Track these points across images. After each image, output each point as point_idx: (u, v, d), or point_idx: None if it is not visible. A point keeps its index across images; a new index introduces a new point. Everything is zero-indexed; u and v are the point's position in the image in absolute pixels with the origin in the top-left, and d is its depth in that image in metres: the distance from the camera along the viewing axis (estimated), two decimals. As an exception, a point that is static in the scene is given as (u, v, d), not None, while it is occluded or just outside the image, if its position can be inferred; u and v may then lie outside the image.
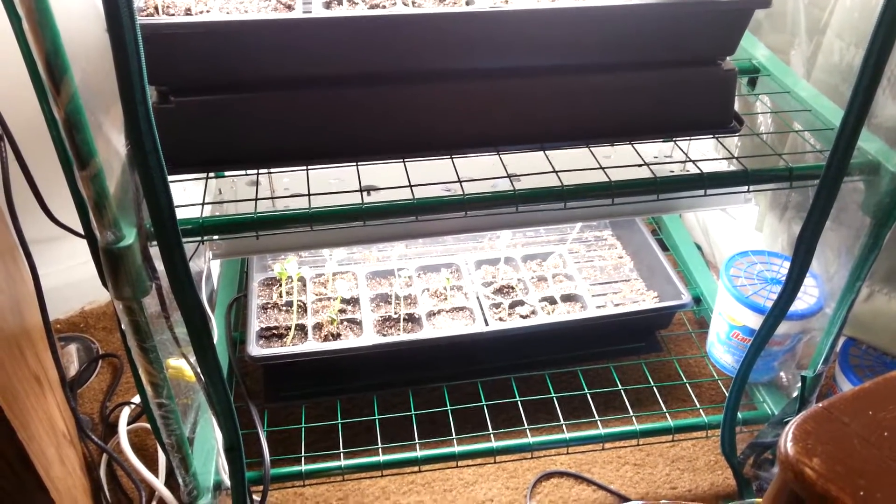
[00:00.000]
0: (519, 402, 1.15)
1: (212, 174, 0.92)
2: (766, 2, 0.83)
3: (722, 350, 1.15)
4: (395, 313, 1.19)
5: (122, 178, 0.77)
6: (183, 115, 0.78)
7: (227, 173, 1.04)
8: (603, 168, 0.85)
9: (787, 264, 0.88)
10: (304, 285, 1.24)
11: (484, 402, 1.15)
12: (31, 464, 0.84)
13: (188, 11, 0.77)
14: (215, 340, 0.82)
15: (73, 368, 1.32)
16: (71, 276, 1.41)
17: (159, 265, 0.76)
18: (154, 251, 0.75)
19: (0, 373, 0.82)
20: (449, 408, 1.14)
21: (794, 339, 1.08)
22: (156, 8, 0.78)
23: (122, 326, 0.80)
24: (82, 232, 1.12)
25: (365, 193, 0.84)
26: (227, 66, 0.77)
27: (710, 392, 1.25)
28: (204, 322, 0.77)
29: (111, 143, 0.81)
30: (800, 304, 1.05)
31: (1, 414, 0.78)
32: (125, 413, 1.19)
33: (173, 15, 0.77)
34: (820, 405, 0.60)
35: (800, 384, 1.03)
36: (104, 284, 0.78)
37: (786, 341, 1.08)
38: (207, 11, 0.77)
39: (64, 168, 0.71)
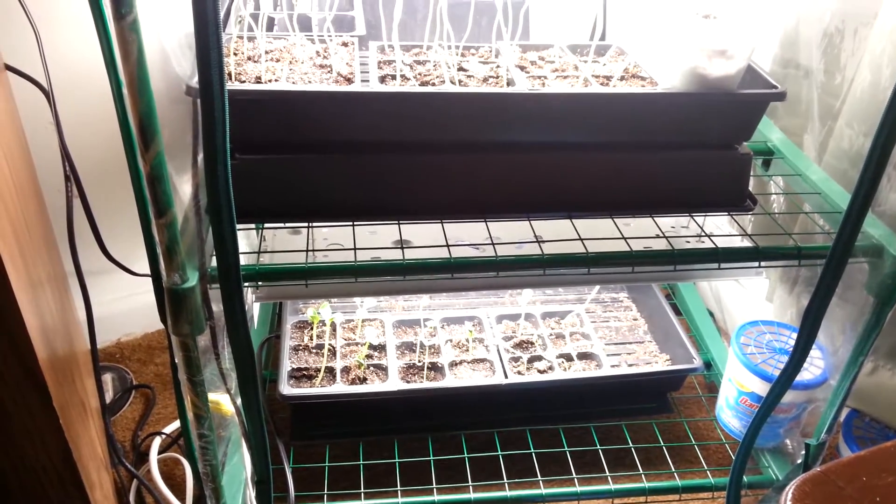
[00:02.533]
0: (533, 454, 1.21)
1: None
2: (782, 95, 0.91)
3: (730, 414, 1.20)
4: (420, 361, 1.25)
5: (184, 226, 0.85)
6: (245, 171, 0.86)
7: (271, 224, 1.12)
8: (625, 238, 0.92)
9: (795, 335, 0.94)
10: (334, 330, 1.31)
11: (500, 452, 1.20)
12: (82, 485, 0.90)
13: (258, 80, 0.86)
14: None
15: (107, 397, 1.38)
16: (110, 308, 1.48)
17: (215, 306, 0.84)
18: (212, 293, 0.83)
19: (59, 394, 0.88)
20: (466, 455, 1.19)
21: (799, 407, 1.13)
22: (229, 74, 0.87)
23: (176, 360, 0.87)
24: (129, 268, 1.20)
25: (401, 249, 0.91)
26: (289, 130, 0.86)
27: (717, 455, 1.30)
28: (251, 361, 0.84)
29: (178, 195, 0.89)
30: (806, 374, 1.10)
31: (61, 434, 0.85)
32: (156, 442, 1.25)
33: (244, 82, 0.86)
34: (818, 469, 0.66)
35: (804, 452, 1.08)
36: (163, 321, 0.85)
37: (792, 409, 1.13)
38: (276, 80, 0.86)
39: (141, 215, 0.79)
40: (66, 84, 1.13)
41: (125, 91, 0.69)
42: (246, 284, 0.85)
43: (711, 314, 1.57)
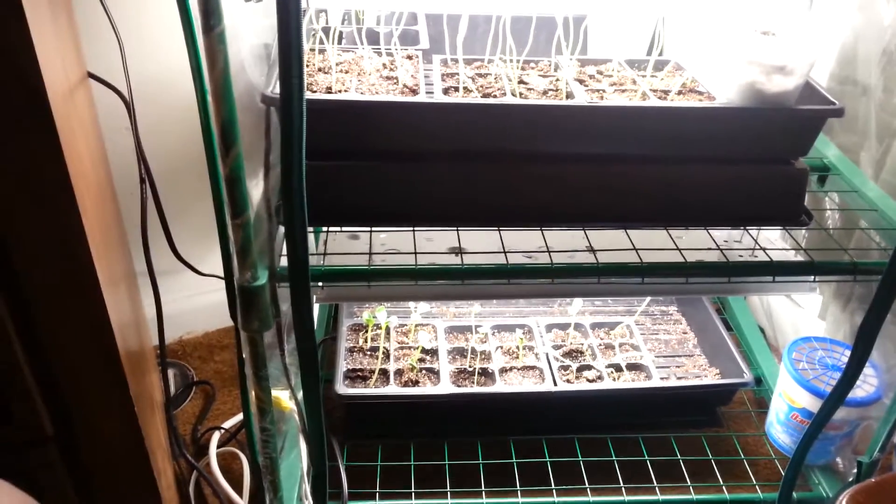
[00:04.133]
0: (581, 462, 1.22)
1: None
2: (839, 111, 0.92)
3: (780, 430, 1.20)
4: (471, 367, 1.28)
5: (256, 227, 0.90)
6: (313, 176, 0.90)
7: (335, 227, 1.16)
8: (679, 249, 0.94)
9: (848, 353, 0.94)
10: (388, 333, 1.35)
11: (548, 459, 1.22)
12: (151, 471, 0.95)
13: (329, 90, 0.90)
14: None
15: (170, 392, 1.44)
16: (173, 307, 1.54)
17: (282, 305, 0.88)
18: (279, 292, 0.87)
19: (134, 385, 0.93)
20: (514, 460, 1.22)
21: (851, 425, 1.13)
22: (301, 84, 0.91)
23: (244, 355, 0.91)
24: (197, 268, 1.26)
25: (455, 255, 0.94)
26: (356, 138, 0.90)
27: (766, 470, 1.29)
28: (315, 357, 0.87)
29: (250, 199, 0.94)
30: (859, 391, 1.10)
31: (136, 422, 0.90)
32: (216, 437, 1.30)
33: (315, 91, 0.90)
34: (872, 480, 0.66)
35: (855, 470, 1.08)
36: (233, 317, 0.89)
37: (843, 427, 1.13)
38: (346, 90, 0.90)
39: (217, 216, 0.84)
40: (144, 91, 1.20)
41: (209, 99, 0.74)
42: (311, 284, 0.89)
43: (762, 330, 1.56)
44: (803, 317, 1.49)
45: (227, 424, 1.35)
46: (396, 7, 1.09)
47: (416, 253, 0.92)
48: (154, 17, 1.24)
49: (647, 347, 1.38)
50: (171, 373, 1.49)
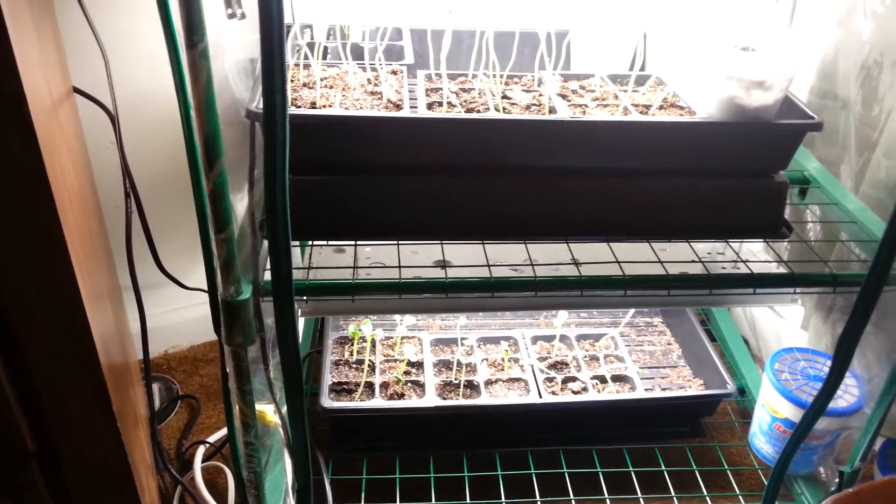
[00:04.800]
0: (566, 474, 1.22)
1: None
2: (818, 126, 0.93)
3: (763, 440, 1.21)
4: (456, 379, 1.28)
5: (240, 242, 0.90)
6: (298, 190, 0.90)
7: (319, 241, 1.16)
8: (661, 262, 0.95)
9: (830, 363, 0.95)
10: (374, 346, 1.35)
11: (533, 471, 1.23)
12: (134, 486, 0.94)
13: (313, 105, 0.91)
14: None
15: (155, 406, 1.43)
16: (158, 321, 1.53)
17: (266, 319, 0.88)
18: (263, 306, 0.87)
19: (117, 400, 0.93)
20: (500, 473, 1.22)
21: (833, 435, 1.14)
22: (285, 99, 0.92)
23: (227, 369, 0.91)
24: (182, 282, 1.25)
25: (441, 268, 0.95)
26: (340, 152, 0.90)
27: (749, 480, 1.30)
28: (299, 372, 0.87)
29: (234, 214, 0.94)
30: (840, 402, 1.11)
31: (118, 436, 0.90)
32: (200, 451, 1.30)
33: (300, 107, 0.91)
34: (851, 490, 0.67)
35: (837, 479, 1.09)
36: (217, 332, 0.89)
37: (825, 437, 1.14)
38: (330, 106, 0.91)
39: (201, 230, 0.84)
40: (129, 106, 1.20)
41: (193, 114, 0.74)
42: (295, 298, 0.89)
43: (746, 341, 1.58)
44: (786, 327, 1.50)
45: (212, 438, 1.34)
46: (381, 23, 1.10)
47: (399, 267, 0.92)
48: (140, 32, 1.24)
49: (631, 359, 1.39)
50: (155, 387, 1.48)
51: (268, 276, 0.81)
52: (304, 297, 0.91)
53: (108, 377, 0.93)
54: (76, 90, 1.11)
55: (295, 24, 1.08)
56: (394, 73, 1.04)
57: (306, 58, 1.00)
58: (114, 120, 1.13)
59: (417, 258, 1.03)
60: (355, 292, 0.88)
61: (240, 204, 0.96)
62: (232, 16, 0.69)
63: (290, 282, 0.79)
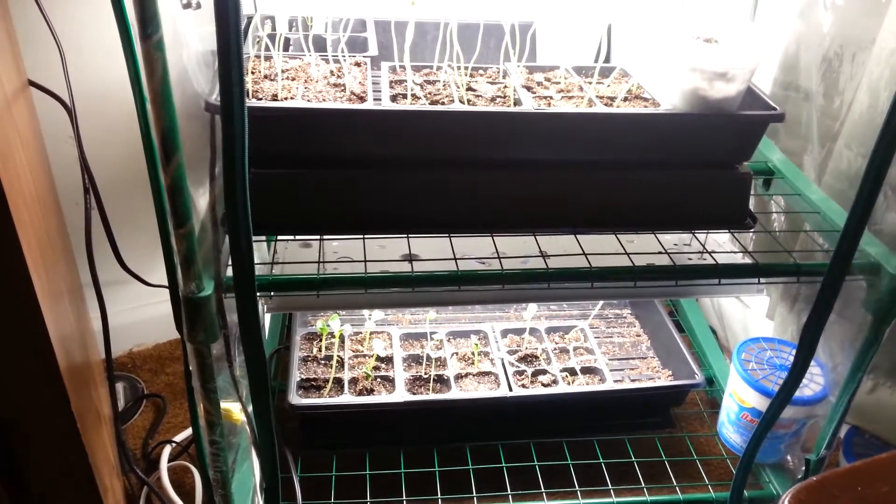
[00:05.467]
0: (537, 467, 1.22)
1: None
2: (780, 117, 0.94)
3: (731, 430, 1.22)
4: (426, 374, 1.28)
5: (201, 237, 0.88)
6: (260, 184, 0.89)
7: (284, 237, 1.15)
8: (627, 253, 0.95)
9: (795, 352, 0.96)
10: (343, 342, 1.33)
11: (504, 464, 1.22)
12: (97, 489, 0.92)
13: (275, 97, 0.89)
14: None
15: (119, 405, 1.41)
16: (122, 318, 1.51)
17: (228, 316, 0.87)
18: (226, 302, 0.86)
19: (76, 401, 0.91)
20: (471, 467, 1.21)
21: (799, 423, 1.15)
22: (246, 92, 0.90)
23: (190, 367, 0.89)
24: (145, 279, 1.23)
25: (408, 262, 0.94)
26: (303, 145, 0.89)
27: (718, 470, 1.31)
28: (264, 369, 0.86)
29: (195, 207, 0.92)
30: (806, 390, 1.12)
31: (79, 438, 0.87)
32: (167, 451, 1.28)
33: (261, 99, 0.89)
34: (814, 478, 0.68)
35: (804, 467, 1.10)
36: (178, 329, 0.87)
37: (792, 425, 1.15)
38: (292, 98, 0.89)
39: (160, 225, 0.82)
40: (87, 99, 1.17)
41: (149, 107, 0.72)
42: (259, 294, 0.87)
43: (713, 331, 1.59)
44: (752, 317, 1.52)
45: (179, 438, 1.32)
46: (344, 14, 1.08)
47: (365, 261, 0.91)
48: (96, 22, 1.21)
49: (601, 351, 1.39)
50: (120, 386, 1.46)
51: (230, 271, 0.80)
52: (269, 293, 0.89)
53: (68, 378, 0.91)
54: (32, 83, 1.08)
55: (256, 15, 1.06)
56: (357, 65, 1.02)
57: (267, 49, 0.99)
58: (71, 113, 1.10)
59: (384, 252, 1.03)
60: (320, 287, 0.87)
61: (202, 198, 0.94)
62: (187, 5, 0.67)
63: (253, 277, 0.78)
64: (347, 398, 1.20)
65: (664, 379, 1.35)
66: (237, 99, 0.68)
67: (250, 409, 0.94)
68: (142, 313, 1.54)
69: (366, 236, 0.97)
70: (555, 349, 1.37)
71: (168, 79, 0.70)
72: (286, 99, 0.90)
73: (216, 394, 0.91)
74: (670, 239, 1.19)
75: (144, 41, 0.68)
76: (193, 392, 0.92)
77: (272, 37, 0.99)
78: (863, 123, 1.13)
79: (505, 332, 1.41)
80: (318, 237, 1.04)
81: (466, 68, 1.02)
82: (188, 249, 0.80)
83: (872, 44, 1.10)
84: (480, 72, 1.04)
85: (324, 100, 0.90)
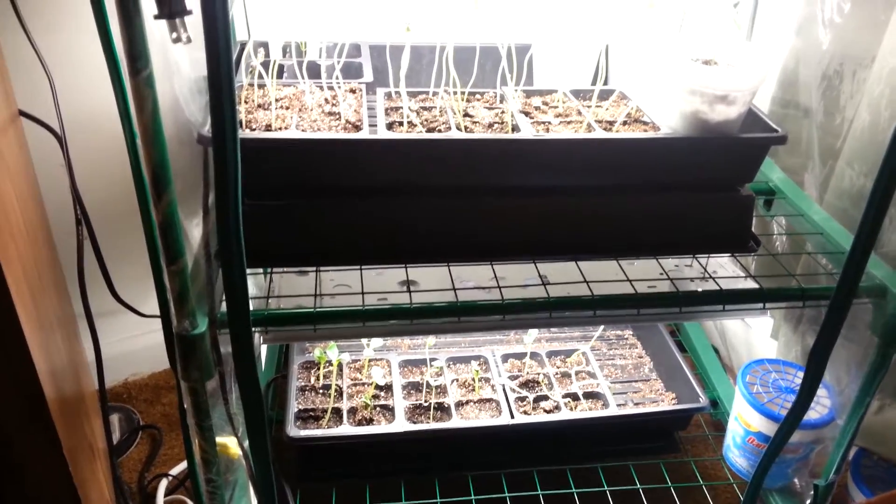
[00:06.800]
0: (541, 495, 1.20)
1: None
2: (782, 139, 0.93)
3: (737, 454, 1.20)
4: (426, 402, 1.25)
5: (195, 271, 0.86)
6: (255, 215, 0.87)
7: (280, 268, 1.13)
8: (630, 280, 0.93)
9: (801, 374, 0.94)
10: (341, 370, 1.31)
11: (507, 494, 1.20)
12: (88, 529, 0.90)
13: (269, 127, 0.88)
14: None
15: (114, 438, 1.38)
16: (118, 348, 1.49)
17: (223, 348, 0.84)
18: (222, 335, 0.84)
19: (67, 436, 0.89)
20: (473, 497, 1.19)
21: (807, 447, 1.13)
22: (239, 123, 0.88)
23: (185, 406, 0.87)
24: (138, 310, 1.21)
25: (407, 290, 0.92)
26: (298, 175, 0.87)
27: (725, 495, 1.29)
28: (260, 406, 0.84)
29: (188, 240, 0.90)
30: (813, 413, 1.10)
31: (69, 477, 0.85)
32: (163, 484, 1.25)
33: (255, 129, 0.88)
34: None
35: (812, 492, 1.08)
36: (172, 367, 0.85)
37: (799, 449, 1.13)
38: (286, 128, 0.88)
39: (152, 262, 0.80)
40: (79, 128, 1.15)
41: (139, 142, 0.71)
42: (255, 329, 0.86)
43: (716, 351, 1.57)
44: (756, 337, 1.50)
45: (175, 471, 1.30)
46: (339, 39, 1.07)
47: (363, 293, 0.89)
48: (86, 51, 1.19)
49: (603, 374, 1.37)
50: (115, 417, 1.43)
51: (225, 306, 0.78)
52: (265, 328, 0.87)
53: (58, 411, 0.89)
54: (22, 113, 1.06)
55: (249, 42, 1.04)
56: (352, 91, 1.01)
57: (261, 77, 0.97)
58: (62, 142, 1.08)
59: (382, 279, 1.01)
60: (317, 322, 0.85)
61: (196, 229, 0.92)
62: (177, 40, 0.66)
63: (247, 314, 0.76)
64: (346, 429, 1.18)
65: (668, 402, 1.32)
66: (229, 136, 0.66)
67: (246, 444, 0.92)
68: (137, 342, 1.52)
69: (363, 267, 0.95)
70: (556, 374, 1.35)
71: (158, 115, 0.69)
72: (280, 129, 0.88)
73: (212, 432, 0.89)
74: (671, 260, 1.17)
75: (134, 77, 0.66)
76: (189, 429, 0.89)
77: (266, 64, 0.98)
78: (864, 141, 1.12)
79: (506, 357, 1.39)
80: (319, 269, 1.02)
81: (463, 93, 1.00)
82: (181, 286, 0.78)
83: (872, 61, 1.09)
84: (477, 96, 1.03)
85: (318, 129, 0.89)
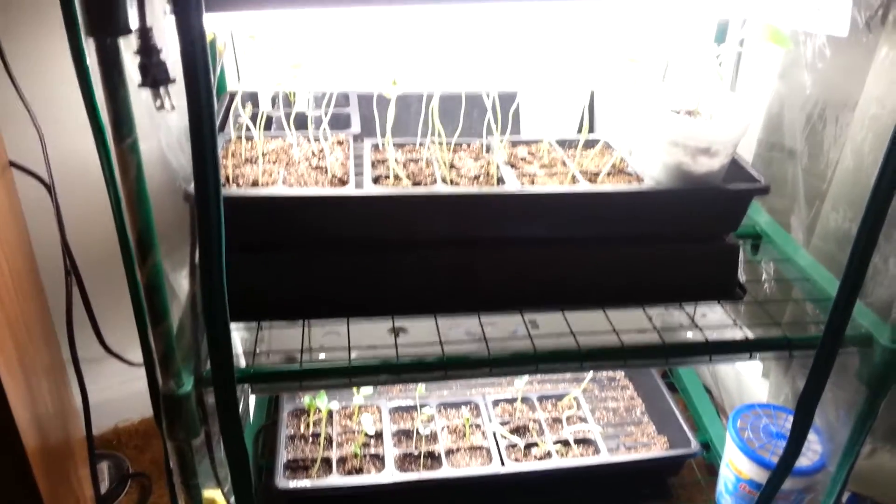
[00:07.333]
0: (532, 544, 1.19)
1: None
2: (765, 189, 0.93)
3: (730, 501, 1.19)
4: (416, 450, 1.25)
5: (182, 324, 0.86)
6: (241, 271, 0.87)
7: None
8: (616, 331, 0.93)
9: (792, 419, 0.93)
10: (331, 417, 1.30)
11: (498, 542, 1.19)
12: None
13: (255, 183, 0.88)
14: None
15: (103, 486, 1.37)
16: (108, 394, 1.48)
17: (210, 399, 0.84)
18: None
19: (50, 484, 0.88)
20: (464, 546, 1.18)
21: (799, 494, 1.12)
22: (227, 178, 0.89)
23: (171, 464, 0.87)
24: (126, 358, 1.21)
25: (394, 340, 0.92)
26: (285, 230, 0.88)
27: (719, 540, 1.28)
28: (245, 462, 0.83)
29: (175, 294, 0.90)
30: (804, 459, 1.10)
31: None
32: (151, 535, 1.24)
33: (241, 185, 0.88)
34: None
35: (805, 540, 1.07)
36: (158, 425, 0.85)
37: (791, 496, 1.12)
38: (273, 183, 0.88)
39: (138, 323, 0.80)
40: (68, 178, 1.16)
41: (124, 206, 0.71)
42: (241, 386, 0.85)
43: (708, 390, 1.57)
44: (747, 376, 1.50)
45: (164, 521, 1.28)
46: (327, 87, 1.08)
47: (349, 348, 0.89)
48: (75, 102, 1.20)
49: (594, 417, 1.37)
50: (104, 465, 1.42)
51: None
52: (251, 385, 0.87)
53: (38, 461, 0.88)
54: (12, 164, 1.07)
55: (238, 95, 1.05)
56: (340, 143, 1.02)
57: (248, 129, 0.98)
58: (51, 193, 1.09)
59: (370, 326, 1.00)
60: (303, 379, 0.85)
61: (184, 280, 0.93)
62: (161, 107, 0.66)
63: (232, 375, 0.76)
64: (336, 479, 1.17)
65: (660, 446, 1.32)
66: (213, 204, 0.66)
67: (233, 500, 0.91)
68: (127, 388, 1.50)
69: (350, 318, 0.95)
70: (547, 419, 1.34)
71: (143, 180, 0.69)
72: (267, 184, 0.88)
73: (199, 489, 0.88)
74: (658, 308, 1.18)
75: (118, 143, 0.67)
76: (174, 487, 0.89)
77: (254, 116, 0.98)
78: (848, 185, 1.13)
79: (496, 402, 1.38)
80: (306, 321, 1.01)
81: (449, 144, 1.01)
82: (166, 347, 0.78)
83: (855, 107, 1.10)
84: (464, 146, 1.04)
85: (305, 184, 0.89)
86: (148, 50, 0.63)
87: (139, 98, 0.68)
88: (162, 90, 0.65)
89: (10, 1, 1.07)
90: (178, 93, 0.71)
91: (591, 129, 1.10)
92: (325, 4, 0.73)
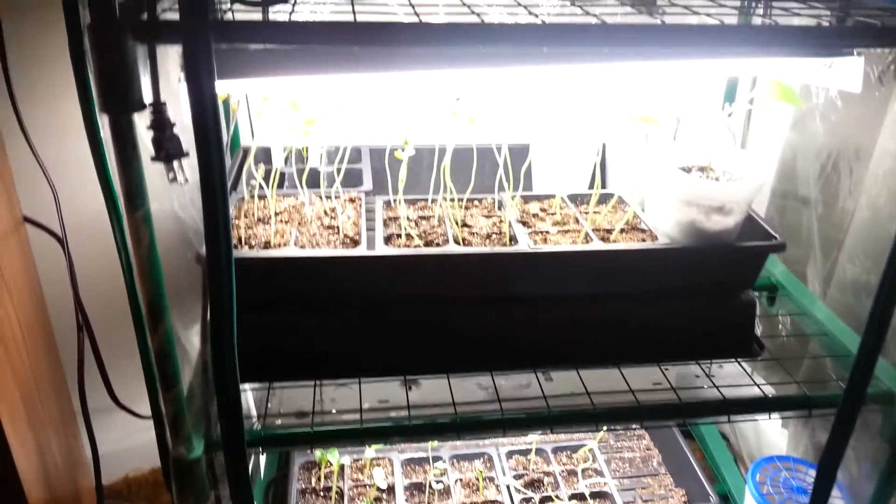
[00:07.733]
0: None
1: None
2: (781, 247, 0.93)
3: (750, 558, 1.16)
4: (429, 504, 1.23)
5: (193, 384, 0.86)
6: (255, 330, 0.87)
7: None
8: (632, 390, 0.92)
9: (812, 472, 0.91)
10: (342, 470, 1.29)
11: None
12: None
13: (268, 244, 0.88)
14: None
15: (110, 541, 1.36)
16: (119, 444, 1.47)
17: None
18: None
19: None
20: None
21: (821, 553, 1.09)
22: (239, 239, 0.89)
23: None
24: (136, 411, 1.20)
25: (406, 402, 0.91)
26: (296, 291, 0.87)
27: None
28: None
29: (187, 354, 0.90)
30: (826, 518, 1.07)
31: None
32: (160, 592, 1.22)
33: (254, 247, 0.88)
34: None
35: None
36: (168, 489, 0.84)
37: (813, 556, 1.09)
38: (285, 244, 0.88)
39: (149, 388, 0.80)
40: (81, 234, 1.17)
41: (136, 274, 0.71)
42: (252, 450, 0.85)
43: (726, 438, 1.54)
44: (766, 424, 1.47)
45: (173, 577, 1.26)
46: (340, 141, 1.08)
47: (361, 410, 0.88)
48: (89, 160, 1.22)
49: (610, 469, 1.34)
50: (114, 517, 1.41)
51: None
52: (262, 448, 0.86)
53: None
54: (26, 219, 1.08)
55: (252, 149, 1.06)
56: (352, 200, 1.02)
57: (261, 188, 0.98)
58: (64, 247, 1.10)
59: (382, 379, 0.99)
60: (314, 443, 0.84)
61: (195, 337, 0.92)
62: (174, 180, 0.67)
63: (243, 440, 0.75)
64: (348, 536, 1.16)
65: (677, 500, 1.29)
66: (224, 266, 0.65)
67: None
68: (138, 438, 1.49)
69: (362, 379, 0.94)
70: (563, 471, 1.32)
71: (155, 250, 0.69)
72: (279, 245, 0.88)
73: (208, 553, 0.87)
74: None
75: (131, 214, 0.67)
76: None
77: (267, 173, 0.99)
78: (864, 237, 1.12)
79: (510, 454, 1.36)
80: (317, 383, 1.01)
81: (461, 201, 1.01)
82: (177, 411, 0.77)
83: (869, 159, 1.10)
84: (476, 203, 1.04)
85: (317, 245, 0.89)
86: (161, 124, 0.63)
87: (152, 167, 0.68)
88: (175, 163, 0.65)
89: (28, 63, 1.09)
90: (191, 165, 0.72)
91: (603, 185, 1.10)
92: (334, 71, 0.73)
